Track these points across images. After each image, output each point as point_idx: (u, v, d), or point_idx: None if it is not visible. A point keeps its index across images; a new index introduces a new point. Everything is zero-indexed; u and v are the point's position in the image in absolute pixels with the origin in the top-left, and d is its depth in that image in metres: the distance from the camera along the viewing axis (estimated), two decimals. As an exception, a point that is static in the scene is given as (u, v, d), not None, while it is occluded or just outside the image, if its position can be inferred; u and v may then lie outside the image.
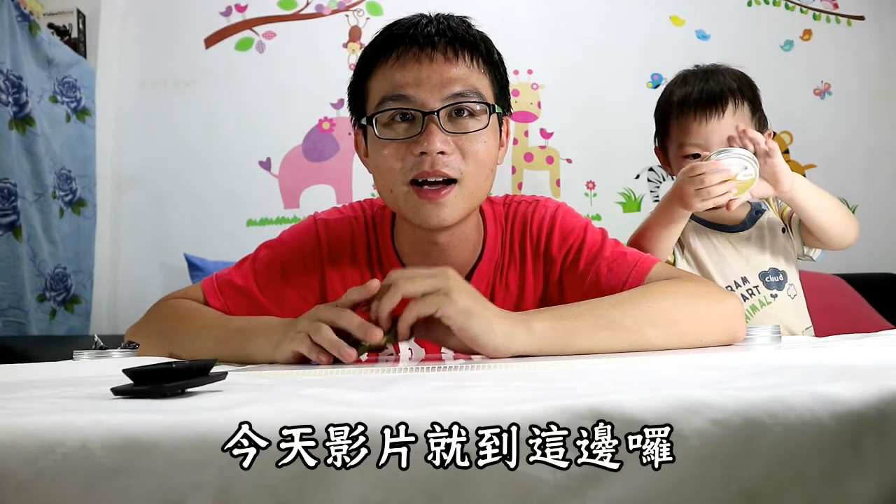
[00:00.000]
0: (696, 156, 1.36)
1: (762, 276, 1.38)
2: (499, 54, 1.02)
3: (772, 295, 1.37)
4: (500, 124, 1.02)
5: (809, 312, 1.43)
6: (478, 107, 0.95)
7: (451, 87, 0.93)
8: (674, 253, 1.41)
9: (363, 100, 1.00)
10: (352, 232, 1.09)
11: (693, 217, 1.43)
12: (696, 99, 1.38)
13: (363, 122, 0.99)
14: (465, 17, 1.00)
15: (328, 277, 1.08)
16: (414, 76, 0.93)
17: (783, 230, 1.45)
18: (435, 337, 0.82)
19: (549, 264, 1.05)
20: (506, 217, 1.09)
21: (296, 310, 0.99)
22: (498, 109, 0.99)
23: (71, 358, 0.97)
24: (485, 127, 0.95)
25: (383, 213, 1.10)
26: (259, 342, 0.85)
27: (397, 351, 1.06)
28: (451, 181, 0.94)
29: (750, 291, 1.37)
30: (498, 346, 0.77)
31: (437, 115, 0.92)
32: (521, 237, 1.07)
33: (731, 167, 1.22)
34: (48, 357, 1.02)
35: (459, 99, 0.94)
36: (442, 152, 0.92)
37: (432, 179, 0.93)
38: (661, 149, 1.51)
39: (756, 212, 1.46)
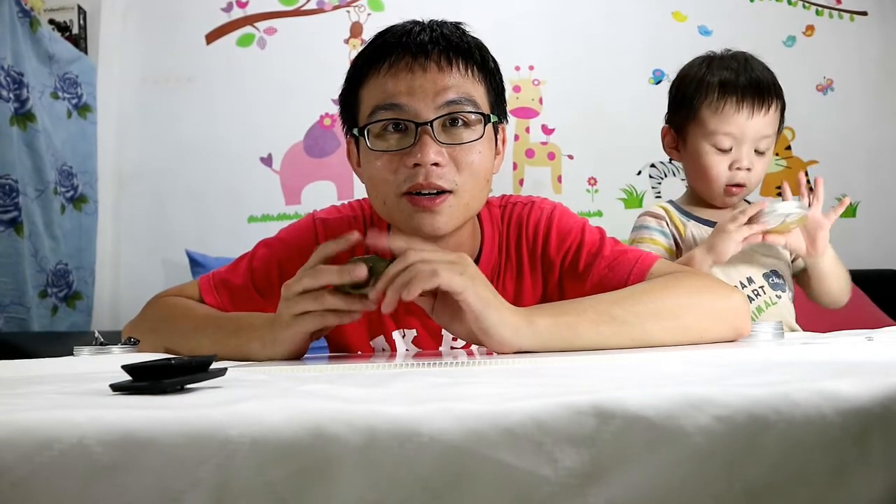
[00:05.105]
0: (728, 150, 1.32)
1: (766, 276, 1.37)
2: (494, 61, 1.00)
3: (776, 295, 1.36)
4: (496, 133, 1.00)
5: (810, 310, 1.44)
6: (472, 116, 0.93)
7: (444, 95, 0.91)
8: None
9: (355, 109, 0.98)
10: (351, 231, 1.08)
11: (694, 217, 1.41)
12: (744, 86, 1.30)
13: (355, 132, 0.97)
14: (460, 22, 0.98)
15: None
16: (407, 85, 0.91)
17: None
18: (441, 320, 0.81)
19: (548, 267, 1.04)
20: (502, 219, 1.07)
21: None
22: (493, 118, 0.96)
23: (72, 354, 0.97)
24: (480, 137, 0.93)
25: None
26: (255, 345, 0.85)
27: (394, 349, 1.05)
28: (445, 191, 0.92)
29: (756, 292, 1.35)
30: (505, 340, 0.76)
31: (431, 126, 0.90)
32: (518, 240, 1.06)
33: (779, 221, 1.23)
34: (49, 353, 1.02)
35: (453, 108, 0.91)
36: (436, 164, 0.90)
37: (426, 192, 0.91)
38: (678, 130, 1.41)
39: None
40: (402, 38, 0.93)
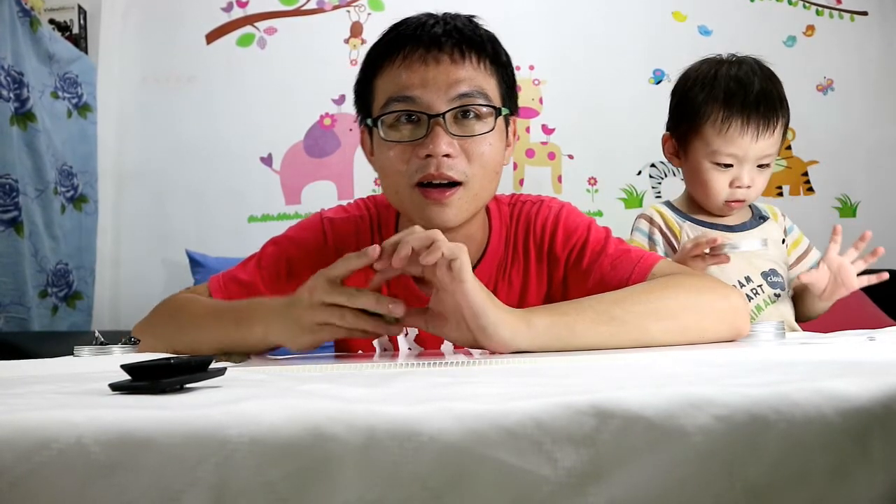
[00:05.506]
0: (730, 165, 1.31)
1: (764, 275, 1.37)
2: (506, 54, 1.02)
3: (775, 294, 1.36)
4: (507, 125, 1.02)
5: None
6: (484, 109, 0.95)
7: (457, 88, 0.93)
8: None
9: (369, 99, 0.99)
10: (357, 231, 1.09)
11: (690, 218, 1.41)
12: (750, 106, 1.27)
13: (369, 122, 0.99)
14: (473, 16, 1.00)
15: None
16: (420, 77, 0.93)
17: (783, 241, 1.44)
18: (431, 326, 0.82)
19: (553, 263, 1.05)
20: (511, 216, 1.09)
21: None
22: (505, 111, 0.98)
23: (72, 354, 0.97)
24: (491, 130, 0.95)
25: (388, 212, 1.10)
26: (257, 330, 0.86)
27: (396, 348, 1.06)
28: (455, 183, 0.93)
29: (754, 291, 1.35)
30: (503, 339, 0.76)
31: (443, 118, 0.92)
32: (525, 236, 1.07)
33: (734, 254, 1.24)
34: (49, 353, 1.01)
35: (465, 100, 0.93)
36: (447, 155, 0.92)
37: (437, 182, 0.93)
38: (679, 140, 1.39)
39: (759, 217, 1.45)
40: (417, 31, 0.95)
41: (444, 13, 0.99)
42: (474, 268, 1.04)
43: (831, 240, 1.30)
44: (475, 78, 0.94)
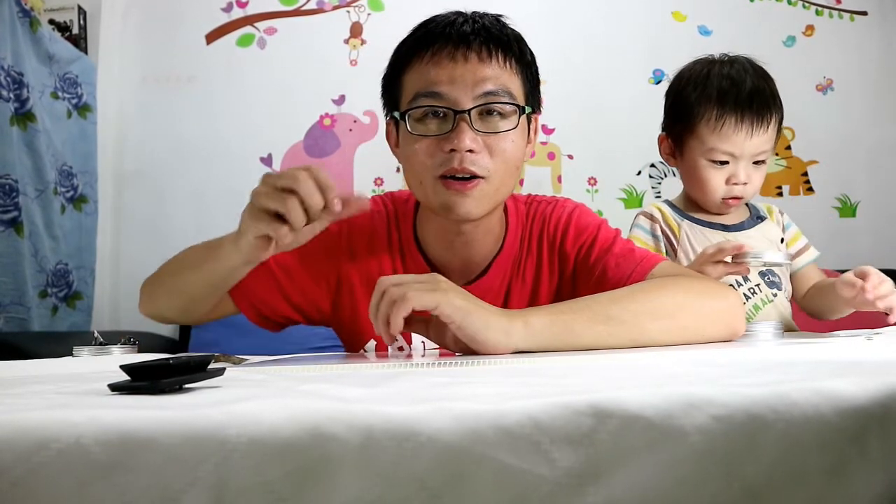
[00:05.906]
0: (725, 162, 1.31)
1: (762, 275, 1.37)
2: (531, 53, 1.04)
3: (773, 294, 1.36)
4: (529, 122, 1.04)
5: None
6: (508, 107, 0.97)
7: (483, 86, 0.95)
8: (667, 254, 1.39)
9: (397, 93, 1.02)
10: (372, 225, 1.11)
11: (688, 217, 1.41)
12: (743, 103, 1.28)
13: (396, 115, 1.01)
14: (500, 15, 1.03)
15: (345, 263, 1.10)
16: (448, 74, 0.95)
17: (781, 240, 1.44)
18: (433, 336, 0.83)
19: (564, 259, 1.08)
20: (527, 215, 1.13)
21: (309, 291, 1.08)
22: (528, 110, 1.00)
23: (72, 354, 0.97)
24: (514, 127, 0.98)
25: (406, 207, 1.13)
26: (225, 246, 0.95)
27: (409, 342, 1.06)
28: (477, 177, 0.96)
29: (752, 290, 1.35)
30: (498, 342, 0.77)
31: (469, 114, 0.94)
32: (540, 234, 1.10)
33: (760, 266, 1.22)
34: (49, 353, 1.02)
35: (491, 98, 0.96)
36: (471, 150, 0.94)
37: (460, 175, 0.95)
38: (675, 140, 1.40)
39: (756, 217, 1.45)
40: (446, 29, 0.97)
41: (473, 12, 1.01)
42: (490, 263, 1.07)
43: None
44: (501, 76, 0.97)
